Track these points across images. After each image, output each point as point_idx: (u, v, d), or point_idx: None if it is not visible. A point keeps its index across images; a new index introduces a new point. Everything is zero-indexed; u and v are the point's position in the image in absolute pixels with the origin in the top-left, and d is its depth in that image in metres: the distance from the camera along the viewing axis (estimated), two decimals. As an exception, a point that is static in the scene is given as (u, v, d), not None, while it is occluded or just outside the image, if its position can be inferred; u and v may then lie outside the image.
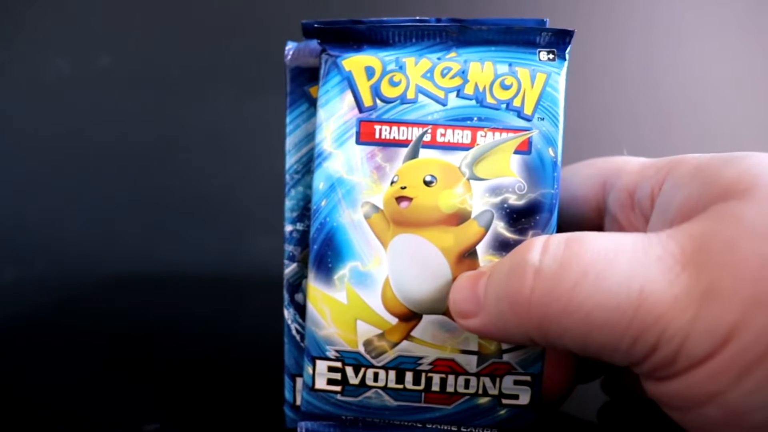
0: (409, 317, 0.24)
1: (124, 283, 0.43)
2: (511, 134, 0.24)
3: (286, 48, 0.26)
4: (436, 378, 0.24)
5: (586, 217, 0.27)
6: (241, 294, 0.42)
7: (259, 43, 0.41)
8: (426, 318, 0.24)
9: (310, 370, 0.25)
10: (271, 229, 0.34)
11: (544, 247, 0.21)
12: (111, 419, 0.28)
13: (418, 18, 0.25)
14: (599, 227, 0.27)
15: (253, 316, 0.39)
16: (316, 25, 0.24)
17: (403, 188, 0.24)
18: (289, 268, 0.26)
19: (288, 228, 0.26)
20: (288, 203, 0.26)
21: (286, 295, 0.26)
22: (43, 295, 0.41)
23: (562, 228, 0.28)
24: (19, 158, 0.49)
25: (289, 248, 0.26)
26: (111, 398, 0.30)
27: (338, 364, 0.24)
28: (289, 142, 0.26)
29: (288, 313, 0.26)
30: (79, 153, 0.49)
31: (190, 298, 0.42)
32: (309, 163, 0.26)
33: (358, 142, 0.24)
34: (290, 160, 0.26)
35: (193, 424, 0.28)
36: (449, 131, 0.24)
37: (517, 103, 0.24)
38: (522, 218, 0.24)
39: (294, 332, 0.26)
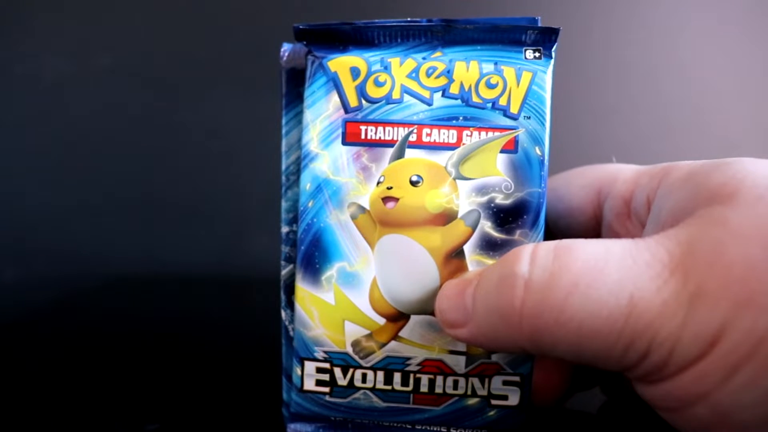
0: (397, 318, 0.24)
1: (124, 283, 0.44)
2: (497, 133, 0.24)
3: (282, 50, 0.26)
4: (424, 379, 0.24)
5: (583, 227, 0.27)
6: (240, 295, 0.42)
7: (260, 43, 0.41)
8: (414, 318, 0.24)
9: (299, 371, 0.25)
10: (270, 230, 0.34)
11: (532, 257, 0.20)
12: (111, 419, 0.28)
13: (404, 19, 0.25)
14: (597, 236, 0.27)
15: (252, 316, 0.39)
16: (301, 27, 0.25)
17: (389, 188, 0.24)
18: (286, 269, 0.26)
19: (284, 229, 0.26)
20: (284, 204, 0.26)
21: (283, 296, 0.26)
22: (43, 295, 0.42)
23: (558, 238, 0.28)
24: (19, 158, 0.49)
25: (285, 249, 0.26)
26: (111, 398, 0.30)
27: (326, 365, 0.24)
28: (285, 143, 0.26)
29: (285, 314, 0.26)
30: (79, 153, 0.49)
31: (190, 298, 0.42)
32: (305, 165, 0.26)
33: (344, 142, 0.24)
34: (286, 162, 0.26)
35: (193, 424, 0.28)
36: (435, 131, 0.24)
37: (503, 102, 0.24)
38: (509, 217, 0.23)
39: (291, 333, 0.26)
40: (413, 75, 0.24)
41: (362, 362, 0.24)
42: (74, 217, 0.47)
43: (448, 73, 0.24)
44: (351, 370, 0.24)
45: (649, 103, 0.52)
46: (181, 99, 0.50)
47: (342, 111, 0.24)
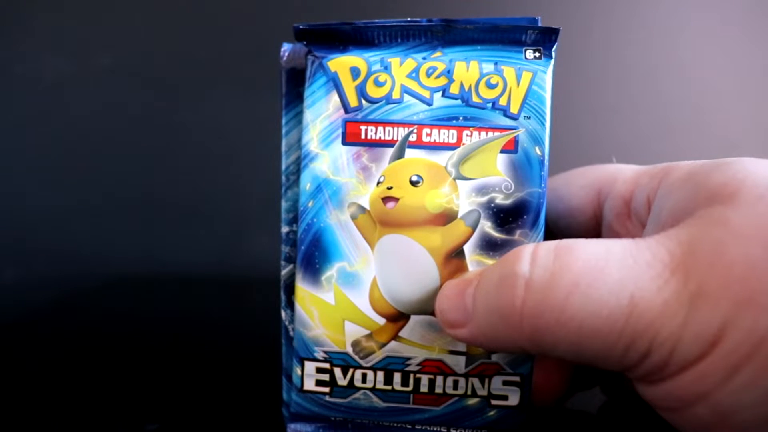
0: (397, 318, 0.24)
1: (124, 283, 0.44)
2: (497, 133, 0.24)
3: (282, 49, 0.26)
4: (424, 379, 0.24)
5: (583, 227, 0.27)
6: (240, 295, 0.42)
7: (260, 43, 0.41)
8: (414, 318, 0.24)
9: (299, 371, 0.25)
10: (270, 230, 0.34)
11: (533, 257, 0.20)
12: (111, 419, 0.28)
13: (404, 19, 0.25)
14: (597, 236, 0.27)
15: (252, 316, 0.39)
16: (301, 27, 0.24)
17: (389, 188, 0.24)
18: (286, 269, 0.26)
19: (284, 229, 0.26)
20: (284, 204, 0.26)
21: (283, 297, 0.26)
22: (43, 295, 0.42)
23: (558, 238, 0.28)
24: (19, 158, 0.49)
25: (285, 249, 0.26)
26: (111, 398, 0.30)
27: (326, 365, 0.24)
28: (285, 143, 0.26)
29: (285, 314, 0.26)
30: (79, 153, 0.49)
31: (190, 298, 0.42)
32: (305, 165, 0.26)
33: (344, 142, 0.24)
34: (286, 162, 0.26)
35: (193, 424, 0.28)
36: (435, 131, 0.24)
37: (503, 102, 0.24)
38: (509, 217, 0.23)
39: (291, 333, 0.26)
40: (413, 75, 0.24)
41: (362, 362, 0.24)
42: (74, 217, 0.47)
43: (448, 73, 0.24)
44: (351, 370, 0.24)
45: (649, 103, 0.52)
46: (181, 99, 0.50)
47: (342, 111, 0.24)
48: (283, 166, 0.26)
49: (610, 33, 0.52)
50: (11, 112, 0.50)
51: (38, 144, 0.49)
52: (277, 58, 0.26)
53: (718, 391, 0.18)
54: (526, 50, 0.24)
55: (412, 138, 0.24)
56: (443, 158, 0.24)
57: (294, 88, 0.26)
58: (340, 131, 0.24)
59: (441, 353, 0.24)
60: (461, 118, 0.24)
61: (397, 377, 0.24)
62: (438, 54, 0.24)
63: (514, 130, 0.24)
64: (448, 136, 0.24)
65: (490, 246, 0.23)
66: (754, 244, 0.18)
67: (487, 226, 0.23)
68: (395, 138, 0.24)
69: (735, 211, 0.19)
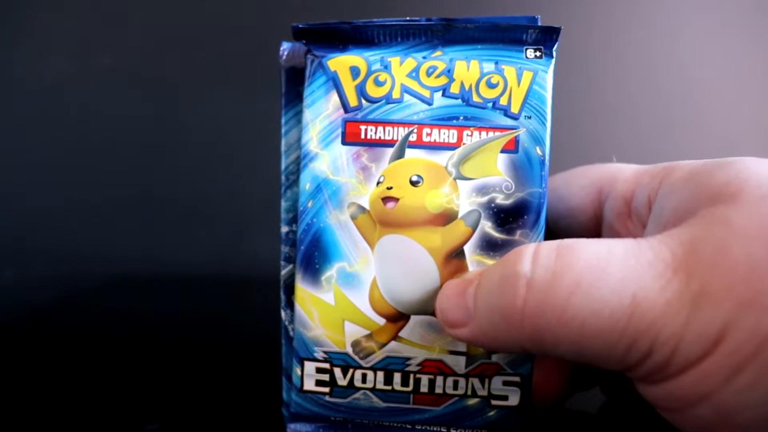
0: (397, 318, 0.24)
1: (124, 283, 0.44)
2: (497, 133, 0.23)
3: (281, 49, 0.26)
4: (424, 379, 0.24)
5: (583, 227, 0.27)
6: (240, 295, 0.42)
7: (260, 43, 0.41)
8: (414, 318, 0.24)
9: (299, 372, 0.25)
10: (270, 230, 0.34)
11: (534, 257, 0.20)
12: (111, 419, 0.28)
13: (404, 18, 0.25)
14: (598, 236, 0.27)
15: (252, 316, 0.39)
16: (301, 26, 0.24)
17: (389, 188, 0.24)
18: (286, 270, 0.26)
19: (284, 229, 0.26)
20: (284, 204, 0.26)
21: (282, 297, 0.26)
22: (43, 295, 0.42)
23: (559, 238, 0.28)
24: (19, 158, 0.49)
25: (285, 249, 0.26)
26: (111, 398, 0.30)
27: (326, 366, 0.24)
28: (285, 143, 0.26)
29: (285, 315, 0.26)
30: (79, 153, 0.49)
31: (190, 298, 0.42)
32: (304, 164, 0.26)
33: (344, 142, 0.24)
34: (286, 161, 0.26)
35: (193, 424, 0.28)
36: (435, 131, 0.24)
37: (503, 101, 0.24)
38: (510, 218, 0.23)
39: (291, 333, 0.26)
40: (413, 74, 0.24)
41: (362, 362, 0.24)
42: (74, 217, 0.47)
43: (449, 72, 0.24)
44: (351, 371, 0.24)
45: (649, 102, 0.52)
46: (181, 99, 0.50)
47: (342, 110, 0.24)
48: (283, 166, 0.26)
49: (610, 33, 0.52)
50: (11, 112, 0.50)
51: (38, 144, 0.49)
52: (277, 58, 0.26)
53: (720, 391, 0.18)
54: (526, 49, 0.24)
55: (412, 138, 0.24)
56: (443, 158, 0.24)
57: (293, 87, 0.26)
58: (339, 131, 0.24)
59: (441, 353, 0.24)
60: (461, 117, 0.24)
61: (397, 377, 0.24)
62: (438, 53, 0.24)
63: (514, 130, 0.23)
64: (449, 135, 0.24)
65: (490, 246, 0.23)
66: (758, 244, 0.18)
67: (487, 226, 0.23)
68: (395, 138, 0.24)
69: (738, 211, 0.19)
